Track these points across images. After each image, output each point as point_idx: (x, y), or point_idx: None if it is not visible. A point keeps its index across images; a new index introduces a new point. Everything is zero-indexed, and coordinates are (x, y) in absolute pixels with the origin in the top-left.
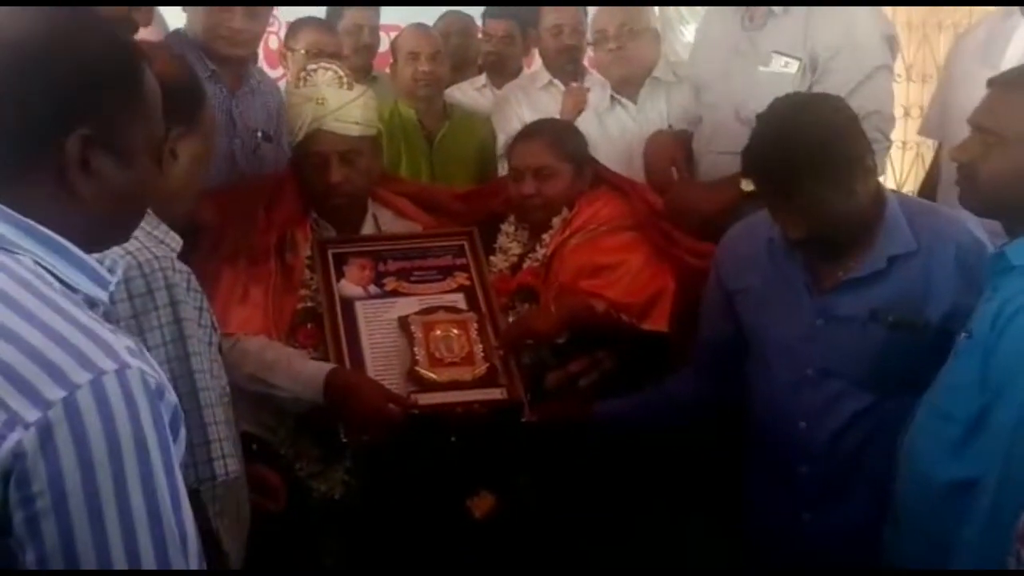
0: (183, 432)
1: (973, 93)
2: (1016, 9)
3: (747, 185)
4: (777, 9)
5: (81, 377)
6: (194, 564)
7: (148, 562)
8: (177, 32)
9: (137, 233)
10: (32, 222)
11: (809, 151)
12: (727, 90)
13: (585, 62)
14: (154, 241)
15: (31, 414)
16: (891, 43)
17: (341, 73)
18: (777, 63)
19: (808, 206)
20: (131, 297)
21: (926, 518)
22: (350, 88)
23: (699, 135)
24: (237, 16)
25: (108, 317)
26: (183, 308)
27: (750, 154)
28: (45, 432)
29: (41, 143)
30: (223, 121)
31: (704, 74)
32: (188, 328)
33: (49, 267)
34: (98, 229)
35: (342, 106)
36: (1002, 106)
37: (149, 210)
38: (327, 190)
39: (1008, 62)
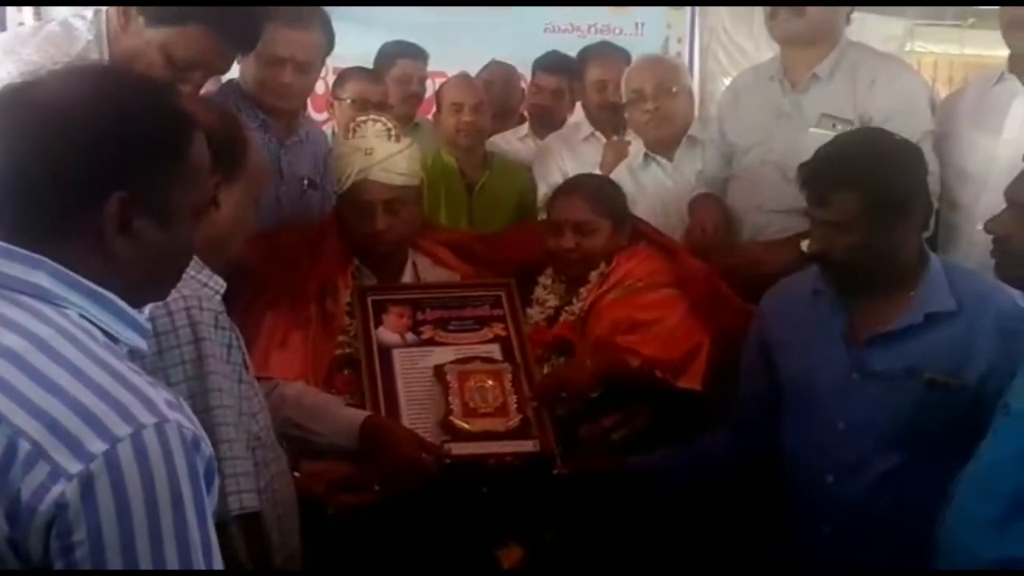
0: (217, 481)
1: (973, 158)
2: (1007, 74)
3: (807, 246)
4: (821, 74)
5: (122, 430)
6: None
7: None
8: (230, 83)
9: None
10: (77, 276)
11: (865, 166)
12: (771, 151)
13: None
14: (197, 284)
15: (74, 466)
16: (934, 108)
17: (389, 125)
18: (827, 124)
19: (838, 222)
20: (156, 334)
21: None
22: (397, 140)
23: (737, 195)
24: (287, 71)
25: (135, 356)
26: (206, 345)
27: (814, 155)
28: (87, 484)
29: (81, 204)
30: (271, 170)
31: (741, 137)
32: (210, 364)
33: (94, 319)
34: (135, 288)
35: (389, 157)
36: None
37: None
38: (371, 238)
39: (1009, 130)
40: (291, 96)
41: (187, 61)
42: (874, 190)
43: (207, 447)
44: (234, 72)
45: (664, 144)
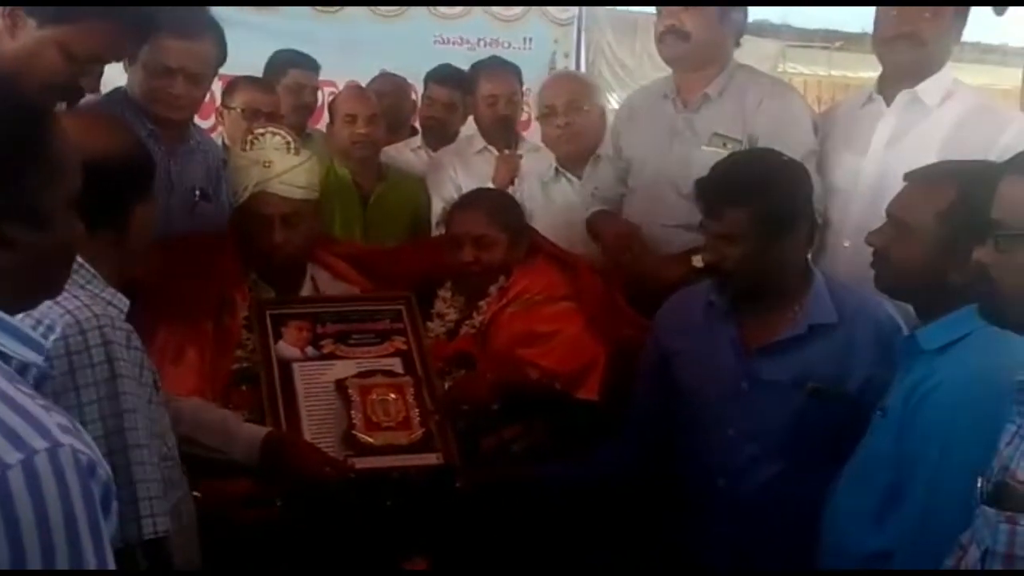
0: (115, 506)
1: (841, 175)
2: (874, 95)
3: (698, 261)
4: (712, 94)
5: (12, 457)
6: None
7: None
8: (117, 91)
9: (80, 294)
10: None
11: (756, 182)
12: (665, 167)
13: (527, 132)
14: (101, 303)
15: None
16: (816, 130)
17: (288, 138)
18: (717, 143)
19: (729, 235)
20: (68, 353)
21: None
22: (296, 153)
23: (631, 209)
24: (178, 83)
25: (45, 375)
26: (120, 365)
27: (710, 172)
28: None
29: None
30: (161, 179)
31: (636, 153)
32: (124, 385)
33: None
34: (25, 291)
35: (288, 170)
36: (913, 200)
37: (95, 273)
38: (269, 251)
39: (874, 151)
40: (181, 107)
41: (88, 55)
42: (763, 206)
43: (104, 471)
44: (120, 79)
45: (573, 160)
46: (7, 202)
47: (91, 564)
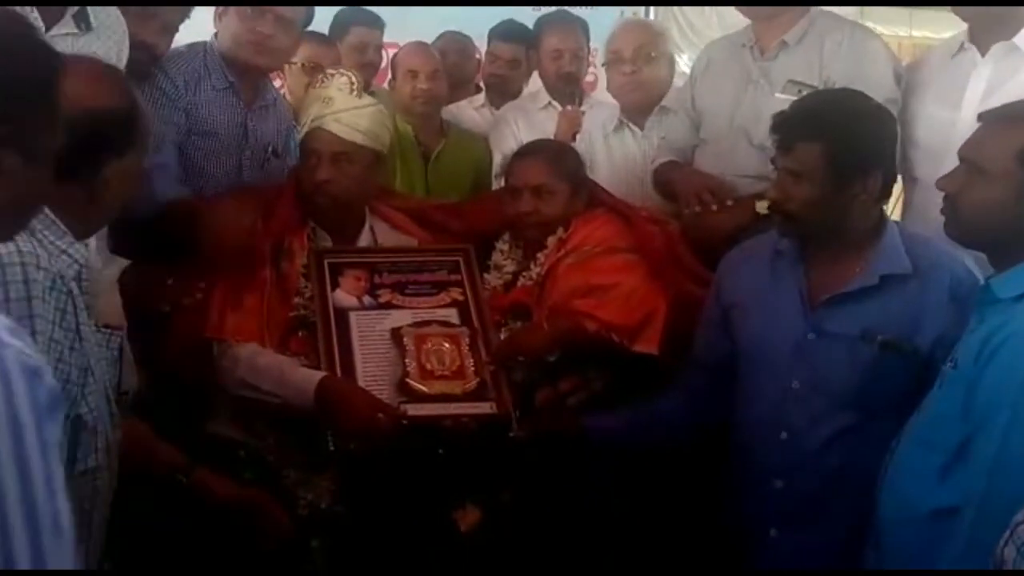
0: (61, 417)
1: (930, 131)
2: (967, 44)
3: (762, 207)
4: (790, 41)
5: None
6: (68, 552)
7: (20, 545)
8: (201, 43)
9: (25, 236)
10: None
11: (833, 118)
12: (738, 117)
13: (593, 82)
14: (56, 250)
15: None
16: (899, 80)
17: (353, 80)
18: (792, 90)
19: (799, 172)
20: None
21: (907, 543)
22: (359, 96)
23: (702, 161)
24: (268, 22)
25: None
26: (36, 304)
27: (789, 106)
28: None
29: None
30: (236, 133)
31: (710, 103)
32: (38, 324)
33: None
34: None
35: (346, 109)
36: (989, 141)
37: (56, 220)
38: (312, 188)
39: (968, 104)
40: (268, 51)
41: None
42: (837, 144)
43: (51, 379)
44: (204, 35)
45: (638, 109)
46: (11, 132)
47: (37, 466)
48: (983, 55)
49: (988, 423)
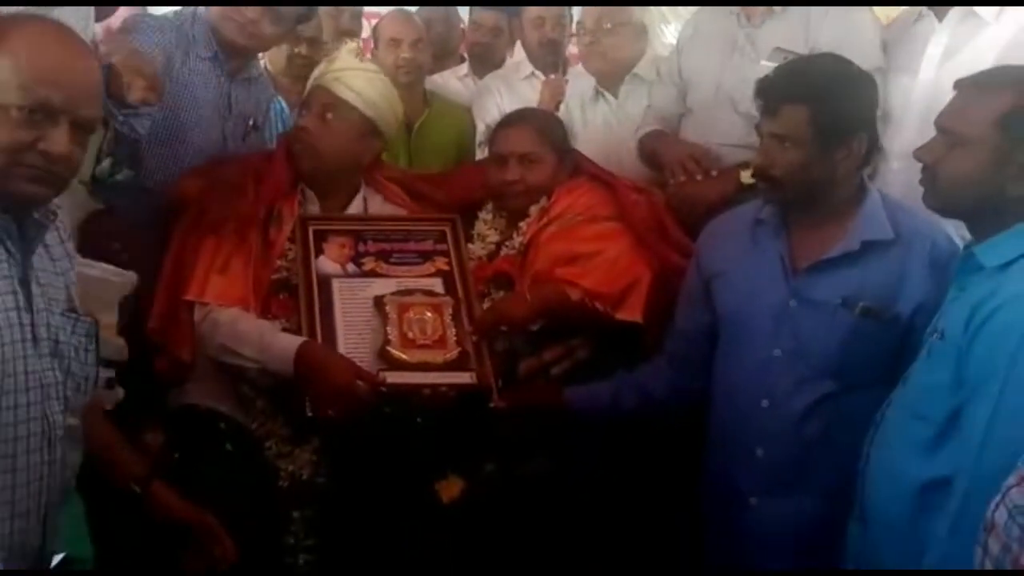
0: None
1: (891, 97)
2: (925, 11)
3: (746, 177)
4: (777, 9)
5: None
6: None
7: None
8: (191, 11)
9: None
10: None
11: (818, 82)
12: (723, 84)
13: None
14: None
15: None
16: (886, 48)
17: (359, 48)
18: (778, 57)
19: (784, 135)
20: None
21: (897, 515)
22: (360, 60)
23: (688, 129)
24: (257, 8)
25: None
26: None
27: (773, 71)
28: None
29: None
30: (219, 103)
31: (696, 71)
32: None
33: None
34: None
35: (346, 68)
36: (966, 109)
37: None
38: (293, 135)
39: (925, 69)
40: (250, 35)
41: None
42: (823, 108)
43: None
44: None
45: (607, 78)
46: None
47: None
48: (940, 21)
49: (979, 393)
